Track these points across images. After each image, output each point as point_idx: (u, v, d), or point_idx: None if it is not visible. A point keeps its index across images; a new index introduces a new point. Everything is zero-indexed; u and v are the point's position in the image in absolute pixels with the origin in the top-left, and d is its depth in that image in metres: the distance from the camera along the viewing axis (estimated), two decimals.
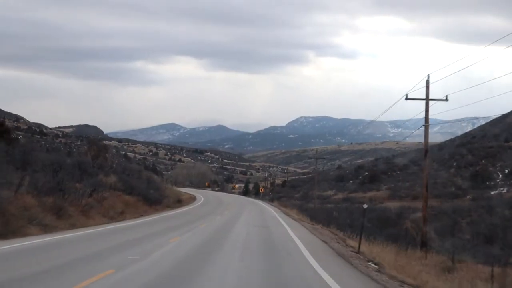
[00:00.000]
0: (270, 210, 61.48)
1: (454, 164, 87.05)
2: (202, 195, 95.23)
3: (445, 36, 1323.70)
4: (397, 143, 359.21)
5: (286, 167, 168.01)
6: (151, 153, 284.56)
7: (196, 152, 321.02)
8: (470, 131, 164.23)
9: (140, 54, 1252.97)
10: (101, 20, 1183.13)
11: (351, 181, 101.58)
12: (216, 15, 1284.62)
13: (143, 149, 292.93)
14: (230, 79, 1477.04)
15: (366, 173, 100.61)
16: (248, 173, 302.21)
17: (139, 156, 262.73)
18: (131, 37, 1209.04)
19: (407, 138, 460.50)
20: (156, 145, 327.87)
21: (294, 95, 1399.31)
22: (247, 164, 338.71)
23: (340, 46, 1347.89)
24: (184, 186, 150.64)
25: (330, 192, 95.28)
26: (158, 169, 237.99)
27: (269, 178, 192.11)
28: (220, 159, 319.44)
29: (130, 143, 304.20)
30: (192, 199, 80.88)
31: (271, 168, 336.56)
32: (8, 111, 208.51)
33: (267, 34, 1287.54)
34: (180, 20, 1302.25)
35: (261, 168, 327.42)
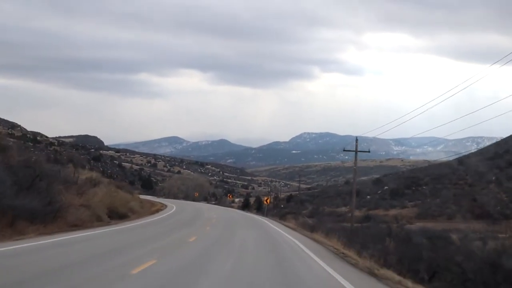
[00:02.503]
0: (297, 246, 26.76)
1: (493, 178, 74.32)
2: (179, 207, 74.35)
3: (450, 53, 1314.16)
4: (402, 160, 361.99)
5: (298, 179, 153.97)
6: (149, 164, 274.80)
7: (197, 164, 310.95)
8: (486, 147, 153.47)
9: (143, 66, 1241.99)
10: (105, 30, 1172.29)
11: (368, 197, 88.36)
12: (221, 29, 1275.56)
13: (141, 160, 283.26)
14: (233, 93, 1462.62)
15: (386, 187, 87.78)
16: (250, 187, 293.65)
17: (136, 167, 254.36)
18: (134, 49, 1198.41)
19: (411, 156, 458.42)
20: (155, 156, 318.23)
21: (297, 111, 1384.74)
22: (249, 178, 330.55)
23: (345, 62, 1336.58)
24: (176, 198, 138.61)
25: (344, 209, 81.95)
26: (154, 180, 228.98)
27: (272, 192, 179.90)
28: (221, 172, 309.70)
29: (128, 154, 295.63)
30: (154, 212, 57.50)
31: (273, 183, 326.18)
32: (6, 119, 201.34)
33: (271, 48, 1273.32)
34: (185, 33, 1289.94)
35: (263, 183, 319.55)
